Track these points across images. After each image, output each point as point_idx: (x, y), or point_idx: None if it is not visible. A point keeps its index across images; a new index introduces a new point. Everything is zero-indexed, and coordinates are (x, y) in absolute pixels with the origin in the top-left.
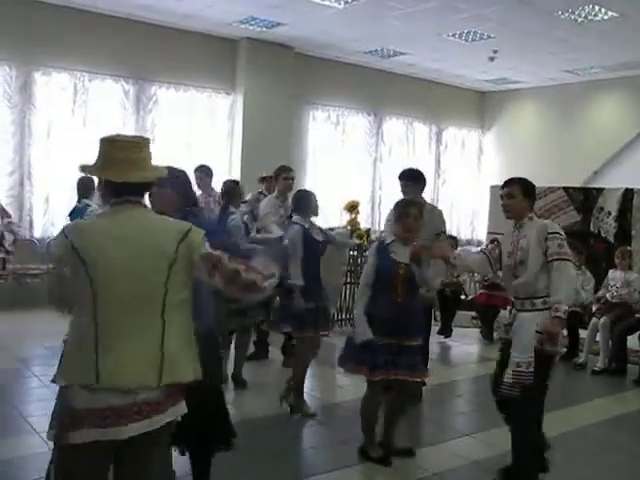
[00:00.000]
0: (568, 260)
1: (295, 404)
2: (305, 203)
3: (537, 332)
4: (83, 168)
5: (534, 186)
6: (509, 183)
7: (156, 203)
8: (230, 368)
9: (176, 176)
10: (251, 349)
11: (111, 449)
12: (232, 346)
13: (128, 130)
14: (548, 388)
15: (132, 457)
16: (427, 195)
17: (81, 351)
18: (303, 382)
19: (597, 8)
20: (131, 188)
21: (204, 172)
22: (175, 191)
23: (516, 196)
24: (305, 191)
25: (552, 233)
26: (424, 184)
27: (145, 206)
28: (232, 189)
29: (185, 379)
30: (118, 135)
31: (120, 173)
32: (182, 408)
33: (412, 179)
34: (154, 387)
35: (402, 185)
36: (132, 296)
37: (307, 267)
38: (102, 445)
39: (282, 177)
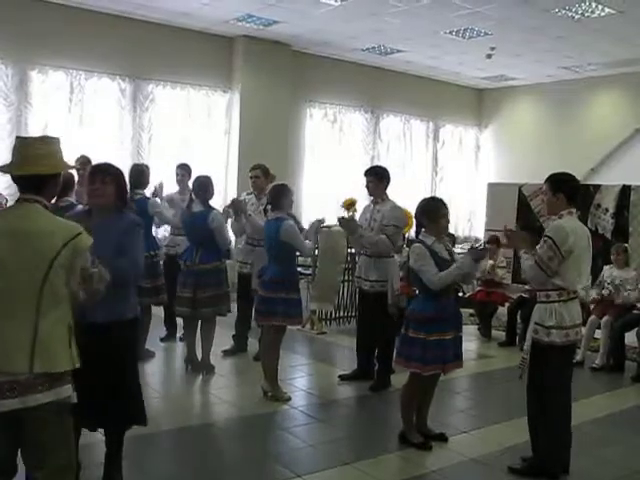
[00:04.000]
0: (537, 263)
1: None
2: (281, 198)
3: (535, 323)
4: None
5: (570, 181)
6: (545, 180)
7: (90, 198)
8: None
9: (110, 173)
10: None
11: None
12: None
13: (125, 129)
14: (560, 381)
15: (24, 433)
16: (425, 192)
17: None
18: (276, 368)
19: (594, 5)
20: (26, 183)
21: (186, 170)
22: (110, 187)
23: (547, 193)
24: (280, 186)
25: (544, 235)
26: (388, 181)
27: (42, 204)
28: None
29: (57, 369)
30: (27, 136)
31: (16, 167)
32: (64, 391)
33: (376, 176)
34: (26, 373)
35: (367, 181)
36: (10, 290)
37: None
38: None
39: (249, 176)
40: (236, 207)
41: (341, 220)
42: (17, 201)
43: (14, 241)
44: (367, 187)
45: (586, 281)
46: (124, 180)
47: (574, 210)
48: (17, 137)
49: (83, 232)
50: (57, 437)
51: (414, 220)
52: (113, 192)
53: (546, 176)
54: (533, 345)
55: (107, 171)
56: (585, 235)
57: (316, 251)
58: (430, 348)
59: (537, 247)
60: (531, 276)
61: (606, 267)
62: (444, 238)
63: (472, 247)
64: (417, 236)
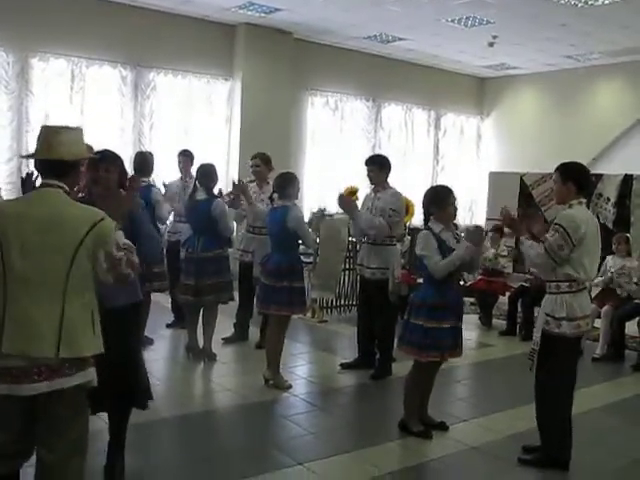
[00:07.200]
0: (546, 250)
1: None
2: (288, 186)
3: (546, 314)
4: (26, 156)
5: (580, 170)
6: (555, 169)
7: (94, 185)
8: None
9: (114, 161)
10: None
11: (20, 404)
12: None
13: (126, 116)
14: (568, 371)
15: (43, 415)
16: (426, 181)
17: None
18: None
19: None
20: (49, 169)
21: (188, 157)
22: (114, 175)
23: (557, 182)
24: (287, 174)
25: (555, 224)
26: (389, 170)
27: (64, 191)
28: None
29: (83, 354)
30: (52, 125)
31: (41, 153)
32: (89, 374)
33: (376, 165)
34: (52, 357)
35: (367, 170)
36: (37, 275)
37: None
38: (9, 399)
39: (249, 165)
40: (242, 190)
41: (341, 198)
42: (40, 186)
43: (38, 226)
44: (369, 176)
45: (594, 272)
46: (124, 167)
47: (584, 200)
48: (42, 126)
49: (106, 217)
50: (73, 419)
51: (419, 208)
52: (116, 180)
53: (548, 165)
54: (543, 336)
55: (111, 159)
56: (595, 226)
57: (317, 239)
58: (428, 335)
59: (547, 235)
60: (538, 264)
61: (609, 257)
62: (452, 227)
63: (467, 229)
64: (426, 224)
